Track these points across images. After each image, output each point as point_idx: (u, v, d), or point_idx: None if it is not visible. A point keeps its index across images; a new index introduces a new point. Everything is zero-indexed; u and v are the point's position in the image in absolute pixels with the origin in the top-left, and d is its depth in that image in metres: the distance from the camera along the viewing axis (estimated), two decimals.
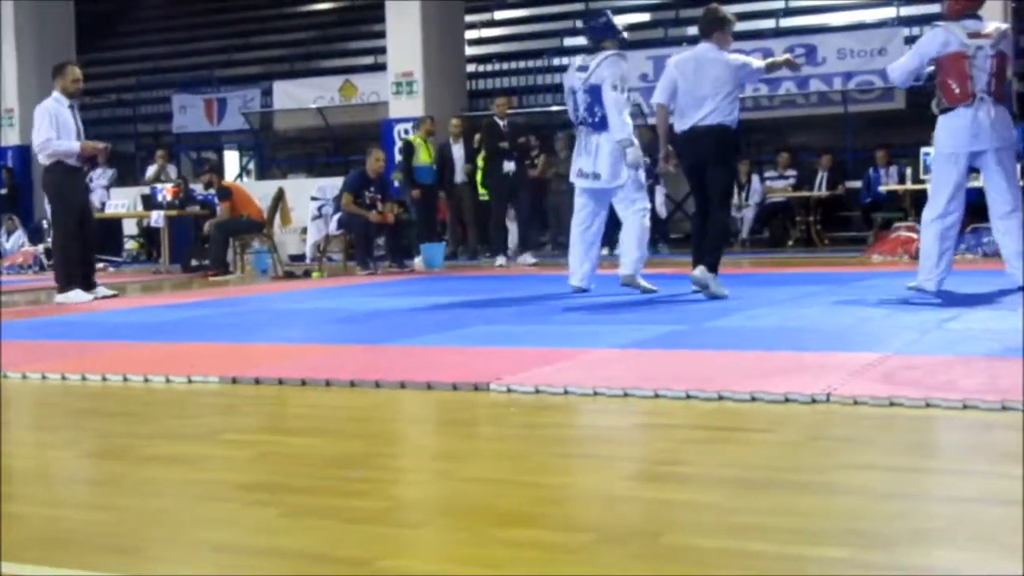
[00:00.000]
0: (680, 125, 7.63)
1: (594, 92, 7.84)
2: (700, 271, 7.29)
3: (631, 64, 8.75)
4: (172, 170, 18.02)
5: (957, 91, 6.89)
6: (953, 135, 6.92)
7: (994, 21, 7.19)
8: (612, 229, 8.67)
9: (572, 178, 8.18)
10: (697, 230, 7.82)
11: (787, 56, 8.44)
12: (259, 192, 14.55)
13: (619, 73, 7.83)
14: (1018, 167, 7.10)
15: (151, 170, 18.06)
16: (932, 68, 7.05)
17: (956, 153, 6.92)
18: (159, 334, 6.32)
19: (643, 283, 7.92)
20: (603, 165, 7.87)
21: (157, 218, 14.77)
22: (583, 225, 8.18)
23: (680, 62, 7.73)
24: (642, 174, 8.06)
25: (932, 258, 7.02)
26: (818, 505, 2.44)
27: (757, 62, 7.92)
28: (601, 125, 7.85)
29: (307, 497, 2.65)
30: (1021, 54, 13.74)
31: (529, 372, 4.28)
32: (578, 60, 8.23)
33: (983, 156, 6.94)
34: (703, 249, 7.48)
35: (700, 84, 7.51)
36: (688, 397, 3.72)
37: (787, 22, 19.42)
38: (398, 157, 16.54)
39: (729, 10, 8.04)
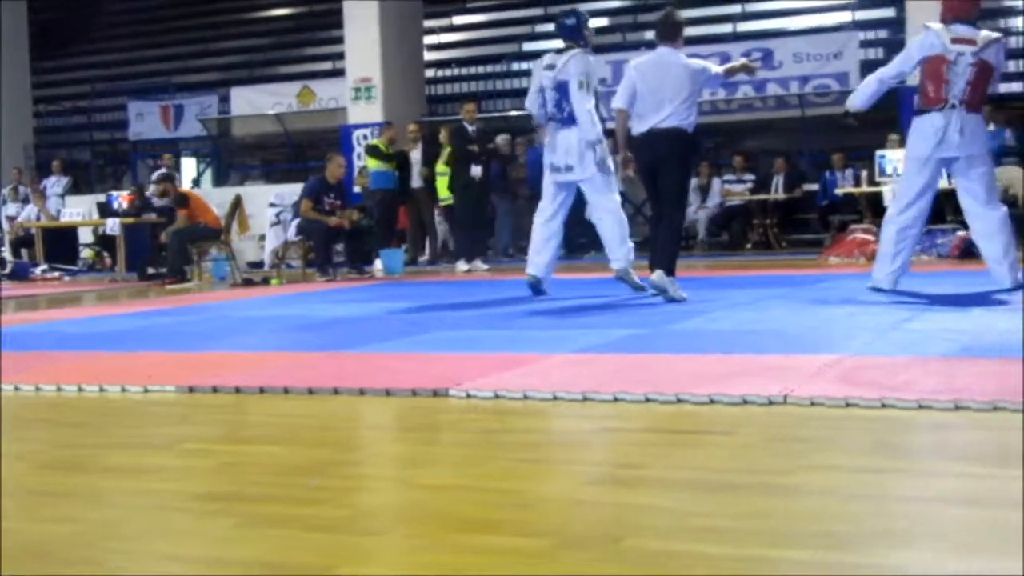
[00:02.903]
0: (638, 127, 7.66)
1: (562, 89, 7.97)
2: (658, 275, 7.31)
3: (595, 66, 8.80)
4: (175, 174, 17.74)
5: (932, 94, 6.97)
6: (921, 138, 7.00)
7: (987, 30, 7.20)
8: (574, 233, 8.68)
9: (546, 173, 8.23)
10: (654, 233, 7.85)
11: (744, 61, 8.52)
12: (216, 199, 14.47)
13: (586, 71, 7.92)
14: (992, 173, 7.15)
15: (157, 175, 17.79)
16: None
17: (923, 156, 6.99)
18: (115, 343, 6.26)
19: (634, 277, 7.99)
20: (573, 158, 7.97)
21: (113, 226, 14.66)
22: (544, 214, 8.28)
23: (640, 65, 7.76)
24: (611, 165, 8.09)
25: (887, 256, 7.12)
26: (777, 507, 2.45)
27: (716, 67, 7.97)
28: (569, 120, 7.99)
29: (265, 506, 2.63)
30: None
31: (488, 377, 4.27)
32: (546, 59, 8.28)
33: (955, 163, 7.00)
34: (658, 252, 7.50)
35: (659, 87, 7.55)
36: (647, 400, 3.72)
37: (745, 26, 19.55)
38: (358, 163, 16.53)
39: (687, 14, 8.13)
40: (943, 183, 12.71)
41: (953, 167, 7.07)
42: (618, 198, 8.16)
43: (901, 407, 3.42)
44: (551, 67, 8.09)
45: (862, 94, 7.33)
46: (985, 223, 7.06)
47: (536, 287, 8.14)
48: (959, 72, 6.91)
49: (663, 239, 7.57)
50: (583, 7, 20.96)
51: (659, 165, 7.58)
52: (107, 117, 23.03)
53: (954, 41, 6.95)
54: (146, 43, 25.11)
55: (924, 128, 7.01)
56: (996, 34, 7.17)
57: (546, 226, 8.25)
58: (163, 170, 16.77)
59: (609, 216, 8.04)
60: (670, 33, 7.79)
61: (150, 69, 23.86)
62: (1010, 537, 2.15)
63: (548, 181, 8.21)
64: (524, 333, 6.00)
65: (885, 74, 7.24)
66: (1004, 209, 7.10)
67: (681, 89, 7.54)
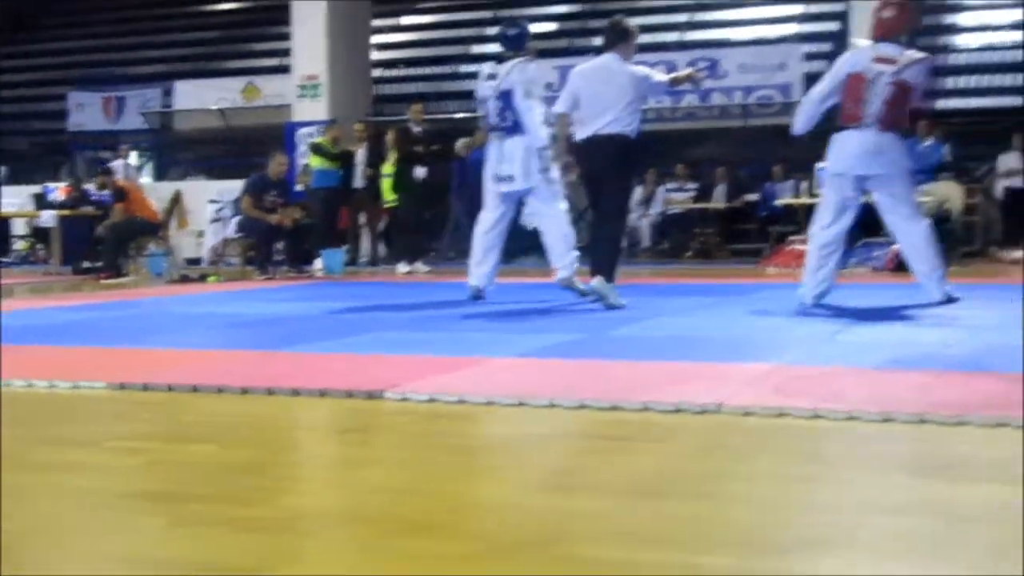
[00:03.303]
0: (580, 133, 7.67)
1: (505, 98, 7.93)
2: (598, 282, 7.32)
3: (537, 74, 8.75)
4: (131, 165, 17.43)
5: (849, 112, 7.00)
6: (837, 155, 7.05)
7: (913, 50, 7.22)
8: (512, 237, 8.67)
9: (486, 183, 8.20)
10: (594, 239, 7.89)
11: (690, 71, 8.59)
12: (157, 194, 14.34)
13: (529, 79, 7.91)
14: (912, 188, 7.23)
15: (116, 163, 17.51)
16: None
17: (839, 173, 7.05)
18: (45, 337, 6.18)
19: (579, 284, 7.97)
20: (516, 168, 7.94)
21: (48, 218, 14.48)
22: (486, 225, 8.24)
23: (583, 71, 7.78)
24: (555, 175, 8.07)
25: (811, 271, 7.18)
26: (708, 514, 2.47)
27: (661, 76, 8.00)
28: (513, 129, 7.95)
29: (197, 505, 2.60)
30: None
31: (425, 380, 4.26)
32: (487, 69, 8.26)
33: (873, 181, 7.04)
34: (599, 259, 7.49)
35: (602, 93, 7.56)
36: (582, 407, 3.73)
37: (691, 35, 19.72)
38: (302, 161, 16.44)
39: (634, 22, 8.16)
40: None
41: (871, 185, 7.10)
42: (564, 205, 8.16)
43: (832, 417, 3.46)
44: (492, 77, 8.08)
45: (802, 117, 7.32)
46: (910, 238, 7.15)
47: (477, 297, 8.13)
48: (877, 91, 6.92)
49: (603, 246, 7.58)
50: (530, 12, 21.11)
51: (601, 172, 7.59)
52: (47, 107, 22.73)
53: (876, 60, 6.97)
54: (89, 33, 24.84)
55: (840, 145, 7.06)
56: (921, 54, 7.20)
57: (486, 236, 8.22)
58: (120, 162, 16.61)
59: (554, 224, 8.03)
60: (617, 40, 7.80)
61: (93, 59, 23.59)
62: (931, 546, 2.19)
63: (490, 191, 8.19)
64: (462, 336, 6.00)
65: (816, 93, 7.26)
66: (926, 223, 7.18)
67: (623, 95, 7.54)
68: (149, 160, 22.33)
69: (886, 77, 6.93)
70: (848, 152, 7.00)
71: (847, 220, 7.14)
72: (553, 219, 8.05)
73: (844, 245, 7.36)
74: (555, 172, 8.05)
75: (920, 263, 7.16)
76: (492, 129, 8.13)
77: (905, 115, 7.13)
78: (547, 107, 8.24)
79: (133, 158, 21.32)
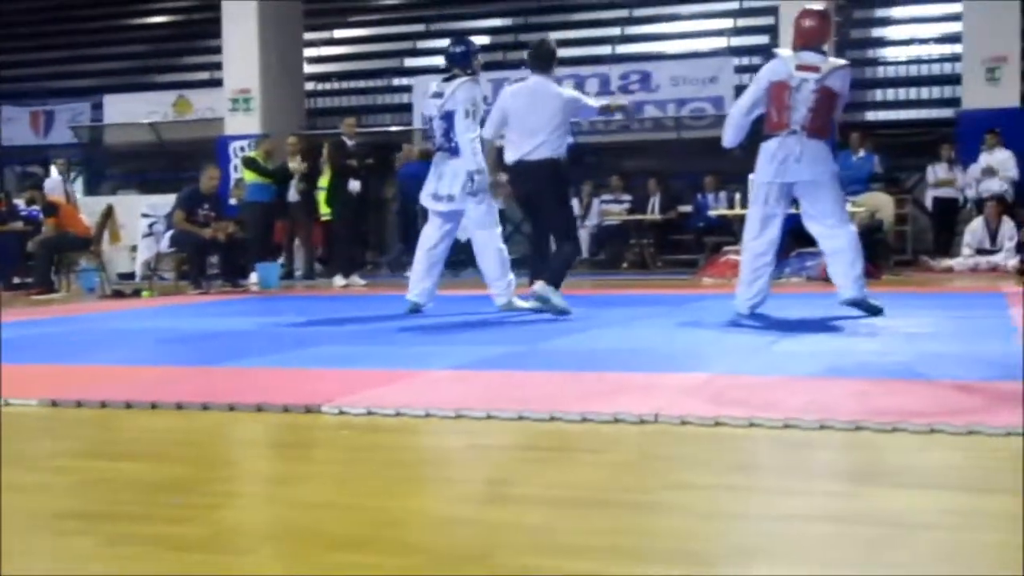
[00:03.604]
0: (510, 155, 7.73)
1: (449, 119, 7.84)
2: (540, 286, 7.34)
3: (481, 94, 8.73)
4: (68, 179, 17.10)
5: (774, 120, 7.01)
6: (765, 164, 7.03)
7: (834, 58, 7.27)
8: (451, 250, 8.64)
9: (423, 200, 8.16)
10: (535, 249, 7.89)
11: (623, 102, 8.66)
12: (88, 208, 14.14)
13: (473, 98, 7.85)
14: (840, 195, 7.17)
15: (54, 178, 17.18)
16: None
17: (766, 182, 7.04)
18: None
19: (520, 303, 7.91)
20: (456, 188, 7.85)
21: None
22: (429, 243, 8.17)
23: (514, 93, 7.82)
24: (492, 204, 8.01)
25: (745, 282, 7.20)
26: (645, 524, 2.47)
27: (592, 100, 8.07)
28: (456, 150, 7.84)
29: (128, 525, 2.56)
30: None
31: (362, 393, 4.24)
32: (433, 86, 8.20)
33: (799, 188, 7.03)
34: (548, 266, 7.60)
35: (531, 116, 7.63)
36: (520, 418, 3.73)
37: (623, 48, 19.82)
38: (235, 175, 16.32)
39: (567, 36, 8.22)
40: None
41: (797, 192, 7.08)
42: (498, 229, 8.09)
43: (768, 426, 3.49)
44: (439, 95, 8.01)
45: (730, 130, 7.27)
46: (833, 243, 7.05)
47: (415, 311, 8.09)
48: (801, 98, 6.92)
49: (557, 260, 7.74)
50: (464, 25, 21.14)
51: (536, 198, 7.73)
52: None
53: (799, 68, 6.98)
54: (16, 47, 24.44)
55: (766, 154, 7.03)
56: (842, 61, 7.24)
57: (429, 254, 8.16)
58: (57, 177, 16.36)
59: (489, 251, 7.95)
60: (543, 62, 7.85)
61: (20, 74, 23.23)
62: (868, 552, 2.21)
63: (431, 209, 8.15)
64: (399, 349, 5.97)
65: (742, 105, 7.23)
66: (852, 230, 7.11)
67: (552, 119, 7.62)
68: (79, 174, 22.02)
69: (810, 84, 6.93)
70: (775, 160, 6.98)
71: (776, 229, 7.14)
72: (487, 246, 7.96)
73: (776, 254, 7.35)
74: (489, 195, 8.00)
75: (839, 265, 7.06)
76: (437, 149, 8.08)
77: (830, 122, 7.15)
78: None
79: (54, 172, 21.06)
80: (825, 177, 7.00)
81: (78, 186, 21.23)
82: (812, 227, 7.15)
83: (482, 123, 7.99)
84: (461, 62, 8.07)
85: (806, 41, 7.11)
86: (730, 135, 7.28)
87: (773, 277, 7.38)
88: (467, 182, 7.78)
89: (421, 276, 8.16)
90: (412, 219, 15.18)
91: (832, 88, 7.01)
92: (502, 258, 7.97)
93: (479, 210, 7.89)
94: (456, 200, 7.90)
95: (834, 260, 7.10)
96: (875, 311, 7.04)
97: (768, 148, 7.03)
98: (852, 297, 7.02)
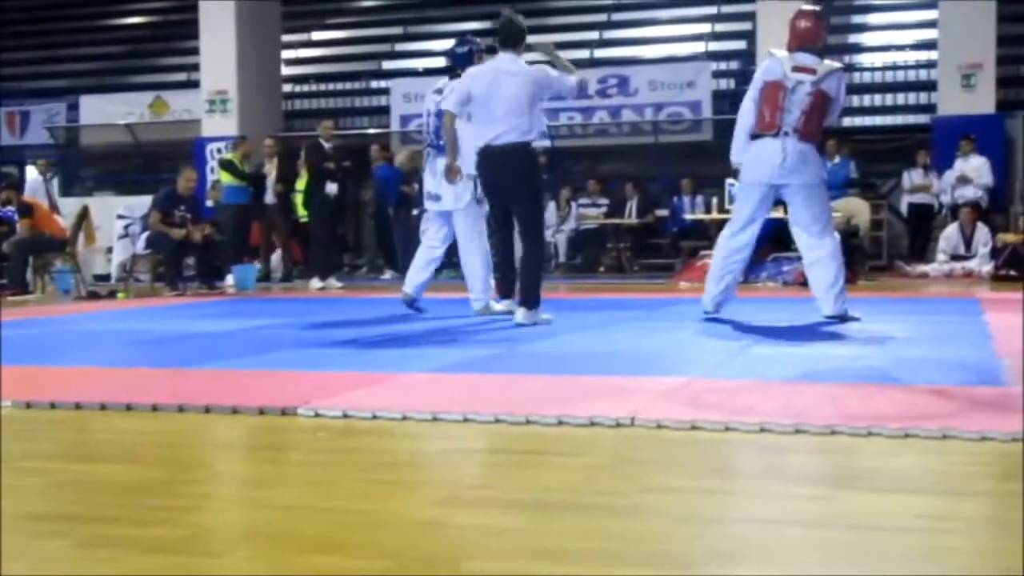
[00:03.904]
0: (476, 141, 7.25)
1: (440, 117, 7.82)
2: (523, 315, 7.05)
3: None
4: (52, 183, 16.99)
5: (767, 120, 6.91)
6: (754, 165, 6.96)
7: (830, 61, 7.16)
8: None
9: (424, 201, 8.19)
10: (501, 253, 7.74)
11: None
12: (64, 209, 14.06)
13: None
14: (827, 203, 7.06)
15: (30, 185, 17.02)
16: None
17: (754, 182, 6.97)
18: None
19: (497, 307, 7.91)
20: (445, 188, 7.84)
21: None
22: (431, 242, 8.23)
23: (476, 74, 7.35)
24: (481, 205, 7.96)
25: (713, 279, 7.16)
26: (620, 528, 2.48)
27: (572, 77, 7.43)
28: (443, 149, 7.79)
29: (103, 527, 2.55)
30: None
31: (338, 396, 4.23)
32: (438, 83, 8.18)
33: (786, 191, 6.95)
34: (523, 289, 7.16)
35: (495, 98, 7.11)
36: (497, 421, 3.72)
37: (601, 53, 19.85)
38: (212, 177, 16.27)
39: (545, 38, 8.15)
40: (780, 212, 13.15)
41: (785, 195, 7.01)
42: (483, 229, 8.04)
43: (744, 430, 3.50)
44: (439, 91, 7.99)
45: (737, 147, 7.13)
46: (815, 252, 6.95)
47: (411, 304, 8.10)
48: (796, 100, 6.84)
49: (526, 273, 7.20)
50: (441, 28, 21.13)
51: (505, 188, 7.23)
52: None
53: (795, 69, 6.89)
54: None
55: (757, 153, 6.93)
56: (837, 64, 7.15)
57: (428, 251, 8.21)
58: (38, 177, 16.27)
59: (471, 256, 7.95)
60: (510, 39, 7.35)
61: None
62: (842, 556, 2.22)
63: (429, 210, 8.18)
64: (375, 352, 5.96)
65: (745, 123, 7.06)
66: (835, 239, 7.00)
67: (518, 99, 7.08)
68: (55, 175, 21.90)
69: (806, 87, 6.86)
70: (765, 161, 6.89)
71: (755, 229, 7.10)
72: (469, 251, 7.95)
73: (750, 255, 7.32)
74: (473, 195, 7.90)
75: (820, 278, 6.94)
76: (429, 145, 8.08)
77: (821, 126, 7.06)
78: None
79: (33, 172, 20.92)
80: (815, 182, 6.93)
81: (54, 187, 21.13)
82: (797, 234, 7.08)
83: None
84: (464, 63, 8.00)
85: (802, 42, 7.02)
86: (737, 152, 7.15)
87: (752, 280, 7.39)
88: (462, 183, 7.73)
89: (418, 269, 8.20)
90: (387, 221, 15.21)
91: (827, 92, 6.93)
92: (486, 263, 7.95)
93: (465, 212, 7.88)
94: (442, 200, 7.90)
95: (814, 271, 7.00)
96: (854, 319, 6.94)
97: (758, 148, 6.94)
98: (831, 313, 6.91)
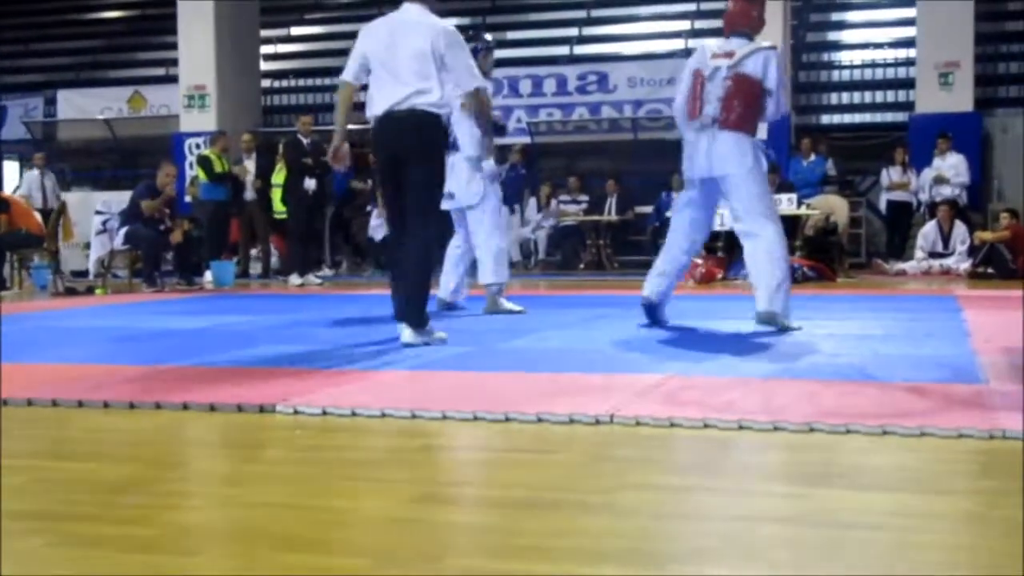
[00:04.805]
0: (372, 109, 5.97)
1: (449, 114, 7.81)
2: (409, 335, 5.77)
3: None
4: (51, 178, 16.89)
5: (691, 111, 6.58)
6: (685, 160, 6.65)
7: (760, 41, 6.61)
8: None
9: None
10: (391, 253, 6.54)
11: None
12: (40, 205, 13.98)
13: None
14: (762, 192, 6.49)
15: (26, 180, 16.91)
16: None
17: (687, 179, 6.67)
18: None
19: (507, 305, 7.85)
20: (456, 185, 7.78)
21: None
22: (455, 241, 8.20)
23: (369, 30, 6.13)
24: (498, 198, 7.92)
25: (653, 271, 6.86)
26: (598, 525, 2.48)
27: (475, 77, 6.23)
28: (455, 146, 7.78)
29: (78, 525, 2.54)
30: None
31: (317, 393, 4.22)
32: None
33: (720, 184, 6.51)
34: (407, 299, 5.85)
35: (396, 56, 5.87)
36: (475, 418, 3.72)
37: (581, 49, 19.86)
38: (190, 172, 16.20)
39: (525, 35, 8.11)
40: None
41: (720, 188, 6.53)
42: (500, 224, 7.97)
43: (722, 427, 3.50)
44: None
45: (680, 128, 6.82)
46: (750, 245, 6.47)
47: (446, 308, 8.07)
48: (713, 88, 6.43)
49: (412, 281, 5.87)
50: None
51: (399, 163, 5.88)
52: None
53: (714, 55, 6.49)
54: None
55: (686, 148, 6.62)
56: (765, 43, 6.60)
57: (451, 250, 8.19)
58: (35, 172, 16.20)
59: (488, 245, 7.88)
60: None
61: None
62: (818, 554, 2.22)
63: (447, 209, 8.12)
64: (354, 349, 5.94)
65: (677, 105, 6.74)
66: (773, 233, 6.40)
67: (423, 55, 5.83)
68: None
69: (723, 72, 6.43)
70: (690, 156, 6.55)
71: (692, 223, 6.66)
72: (482, 247, 7.87)
73: (692, 251, 6.91)
74: (486, 186, 7.82)
75: (758, 279, 6.42)
76: None
77: (751, 112, 6.48)
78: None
79: (12, 168, 20.80)
80: (739, 172, 6.39)
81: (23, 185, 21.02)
82: (734, 227, 6.73)
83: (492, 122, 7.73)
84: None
85: (732, 27, 6.60)
86: (682, 131, 6.84)
87: (744, 277, 7.12)
88: (475, 172, 7.69)
89: (446, 272, 8.18)
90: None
91: (748, 74, 6.42)
92: (497, 255, 7.87)
93: (480, 208, 7.84)
94: (456, 198, 7.85)
95: (751, 265, 6.54)
96: (791, 330, 6.33)
97: (686, 143, 6.63)
98: (764, 310, 6.35)
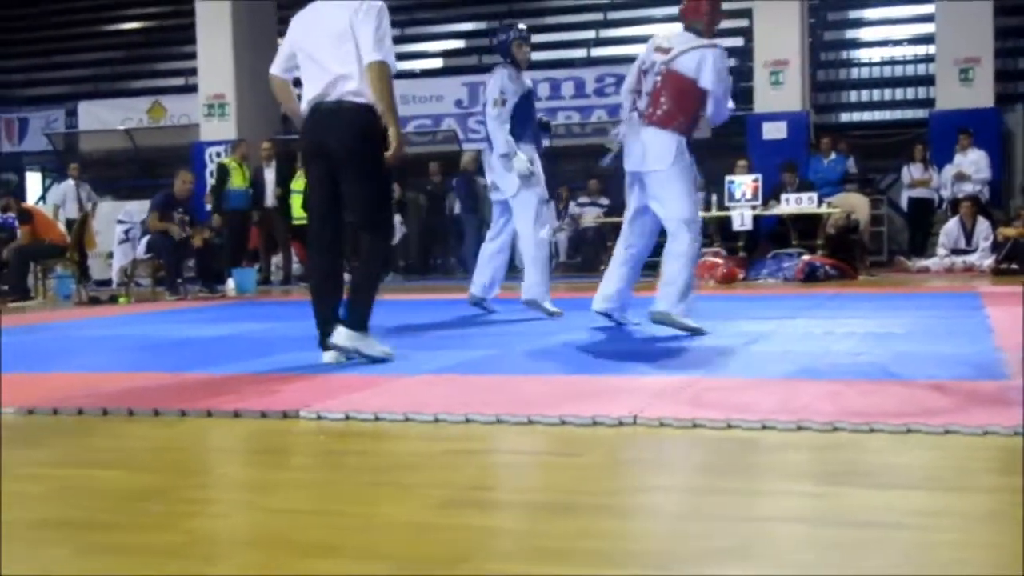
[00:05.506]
0: (304, 102, 5.51)
1: (484, 109, 7.93)
2: (344, 336, 5.27)
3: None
4: (85, 187, 17.01)
5: (628, 104, 6.50)
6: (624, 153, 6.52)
7: (704, 39, 6.34)
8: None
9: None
10: (311, 270, 5.99)
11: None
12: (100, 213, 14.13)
13: (500, 87, 7.79)
14: (682, 191, 6.27)
15: (61, 189, 17.03)
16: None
17: (627, 172, 6.52)
18: None
19: (548, 306, 7.82)
20: (497, 177, 7.89)
21: None
22: (490, 234, 8.23)
23: (298, 16, 5.64)
24: (540, 189, 7.90)
25: (605, 276, 6.86)
26: (620, 527, 2.48)
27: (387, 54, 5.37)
28: (489, 141, 7.91)
29: (104, 533, 2.55)
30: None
31: (339, 398, 4.23)
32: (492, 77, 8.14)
33: (643, 178, 6.38)
34: (354, 301, 5.39)
35: (318, 42, 5.39)
36: (498, 422, 3.72)
37: (598, 51, 19.84)
38: (210, 181, 16.27)
39: (542, 38, 8.12)
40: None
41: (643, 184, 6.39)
42: (540, 216, 7.91)
43: (745, 427, 3.49)
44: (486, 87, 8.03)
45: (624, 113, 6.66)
46: (667, 246, 6.38)
47: (477, 305, 8.11)
48: (647, 82, 6.30)
49: (361, 282, 5.45)
50: (438, 29, 21.11)
51: (336, 162, 5.35)
52: None
53: (657, 49, 6.34)
54: None
55: (623, 141, 6.48)
56: (705, 41, 6.32)
57: (487, 247, 8.21)
58: (70, 182, 16.32)
59: (525, 244, 7.88)
60: None
61: None
62: (842, 554, 2.21)
63: (493, 201, 8.19)
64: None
65: (624, 89, 6.64)
66: (684, 237, 6.24)
67: (342, 37, 5.30)
68: (54, 181, 21.92)
69: (657, 67, 6.27)
70: (625, 149, 6.43)
71: (638, 219, 6.57)
72: (525, 239, 7.86)
73: (644, 248, 6.80)
74: (529, 180, 7.77)
75: (664, 275, 6.34)
76: (484, 139, 8.10)
77: (679, 110, 6.25)
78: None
79: (35, 180, 20.93)
80: (659, 170, 6.24)
81: (53, 195, 21.15)
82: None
83: (512, 111, 7.77)
84: (499, 50, 8.05)
85: (687, 21, 6.46)
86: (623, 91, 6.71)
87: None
88: (508, 167, 7.70)
89: (480, 269, 8.20)
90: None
91: (680, 72, 6.22)
92: (536, 250, 7.83)
93: (516, 201, 7.83)
94: (499, 190, 7.92)
95: (663, 263, 6.45)
96: (692, 331, 6.20)
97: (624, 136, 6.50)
98: (656, 310, 6.26)
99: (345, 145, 5.29)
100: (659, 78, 6.24)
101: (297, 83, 5.67)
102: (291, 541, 2.43)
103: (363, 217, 5.42)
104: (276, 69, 5.65)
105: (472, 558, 2.28)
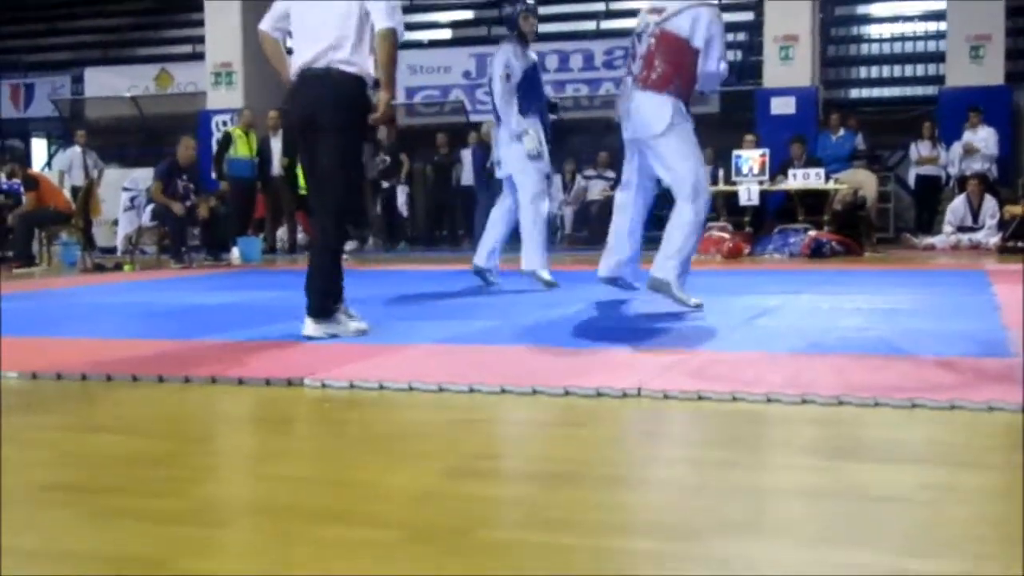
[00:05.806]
0: (292, 68, 5.34)
1: (489, 84, 7.89)
2: (312, 328, 5.21)
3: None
4: (91, 154, 16.98)
5: (627, 69, 6.33)
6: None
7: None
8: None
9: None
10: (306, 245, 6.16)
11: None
12: (107, 180, 14.10)
13: (506, 61, 7.74)
14: (684, 153, 6.16)
15: (67, 155, 17.01)
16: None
17: (626, 140, 6.42)
18: None
19: (545, 275, 7.81)
20: (501, 152, 7.88)
21: None
22: (496, 209, 8.18)
23: None
24: (543, 164, 7.87)
25: (606, 247, 6.76)
26: (626, 498, 2.47)
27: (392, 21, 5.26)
28: (497, 115, 7.87)
29: (108, 497, 2.55)
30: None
31: (344, 367, 4.23)
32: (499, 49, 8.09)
33: (641, 145, 6.28)
34: (311, 286, 5.28)
35: (317, 8, 5.23)
36: (503, 392, 3.72)
37: (608, 24, 19.74)
38: (216, 149, 16.23)
39: (551, 10, 8.05)
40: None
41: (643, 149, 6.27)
42: (544, 190, 7.88)
43: (750, 400, 3.49)
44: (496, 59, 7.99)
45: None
46: (673, 212, 6.25)
47: (479, 275, 8.08)
48: (641, 45, 6.09)
49: (316, 269, 5.30)
50: (443, 0, 20.98)
51: (315, 125, 5.20)
52: None
53: (649, 11, 6.13)
54: None
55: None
56: (695, 1, 6.05)
57: (491, 218, 8.18)
58: (76, 148, 16.30)
59: (525, 216, 7.85)
60: None
61: None
62: (846, 527, 2.21)
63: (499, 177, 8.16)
64: (382, 323, 5.93)
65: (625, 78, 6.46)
66: (688, 206, 6.17)
67: (345, 14, 5.16)
68: (60, 148, 21.90)
69: (651, 29, 6.06)
70: (621, 115, 6.31)
71: (635, 190, 6.55)
72: (526, 211, 7.82)
73: (643, 220, 6.71)
74: (534, 156, 7.74)
75: (665, 242, 6.21)
76: (492, 112, 8.07)
77: (675, 73, 6.06)
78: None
79: (41, 146, 20.90)
80: (656, 134, 6.10)
81: (59, 161, 21.14)
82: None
83: (518, 86, 7.72)
84: (506, 22, 7.99)
85: None
86: None
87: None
88: (516, 144, 7.67)
89: (485, 235, 8.19)
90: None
91: (674, 32, 6.01)
92: (534, 223, 7.82)
93: (521, 176, 7.81)
94: (503, 166, 7.89)
95: (665, 231, 6.29)
96: (688, 305, 6.07)
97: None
98: (653, 277, 6.15)
99: (326, 113, 5.14)
100: (652, 40, 6.04)
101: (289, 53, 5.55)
102: (297, 508, 2.43)
103: (321, 192, 5.23)
104: (265, 25, 5.47)
105: (482, 526, 2.27)
